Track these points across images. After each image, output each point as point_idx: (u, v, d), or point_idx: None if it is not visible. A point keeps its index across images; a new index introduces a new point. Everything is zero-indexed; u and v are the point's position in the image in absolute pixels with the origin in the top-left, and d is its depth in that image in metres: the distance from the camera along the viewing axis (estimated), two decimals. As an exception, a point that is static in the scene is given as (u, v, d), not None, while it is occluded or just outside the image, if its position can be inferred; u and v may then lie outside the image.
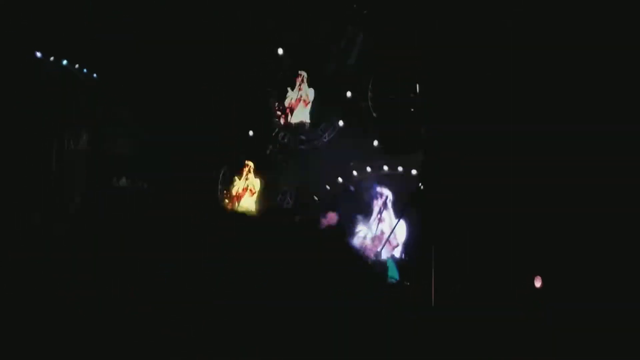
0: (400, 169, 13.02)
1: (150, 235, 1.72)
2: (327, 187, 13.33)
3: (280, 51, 13.30)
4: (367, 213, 13.06)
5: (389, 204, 12.94)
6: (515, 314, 8.53)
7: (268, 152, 13.55)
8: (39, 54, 12.85)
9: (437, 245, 11.06)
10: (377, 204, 13.04)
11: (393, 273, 11.91)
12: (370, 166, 13.08)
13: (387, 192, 13.00)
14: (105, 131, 12.63)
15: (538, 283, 9.36)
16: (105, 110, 12.88)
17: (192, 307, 1.51)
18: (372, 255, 12.20)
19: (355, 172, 13.24)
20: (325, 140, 13.30)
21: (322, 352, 1.43)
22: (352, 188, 13.15)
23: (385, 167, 13.09)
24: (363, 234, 12.91)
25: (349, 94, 12.95)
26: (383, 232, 12.64)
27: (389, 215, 12.82)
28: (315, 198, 13.30)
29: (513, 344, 7.77)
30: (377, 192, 13.00)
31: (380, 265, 11.89)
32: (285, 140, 13.52)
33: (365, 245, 12.67)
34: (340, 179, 13.29)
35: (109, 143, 12.54)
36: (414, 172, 12.84)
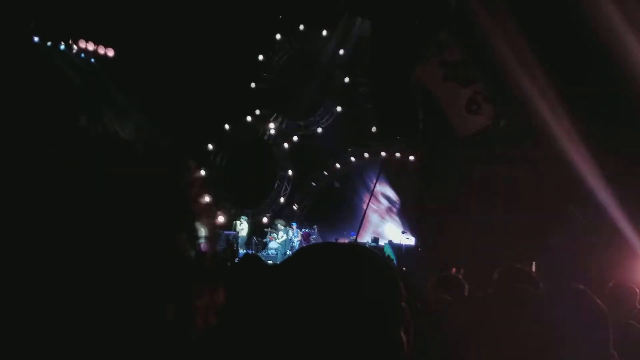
0: (397, 154, 13.04)
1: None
2: (325, 172, 13.34)
3: (278, 36, 13.24)
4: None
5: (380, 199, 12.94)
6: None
7: (265, 137, 13.51)
8: (36, 39, 12.82)
9: (435, 232, 11.15)
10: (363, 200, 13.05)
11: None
12: (367, 152, 13.09)
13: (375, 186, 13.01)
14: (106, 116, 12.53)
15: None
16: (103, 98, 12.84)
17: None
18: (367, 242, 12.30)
19: (353, 158, 13.25)
20: (322, 125, 13.29)
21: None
22: (337, 184, 13.09)
23: (383, 153, 13.10)
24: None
25: (347, 79, 12.96)
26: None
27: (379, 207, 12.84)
28: (313, 184, 13.32)
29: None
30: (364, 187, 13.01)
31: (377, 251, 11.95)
32: (283, 125, 13.49)
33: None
34: (338, 165, 13.30)
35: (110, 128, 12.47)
36: (411, 157, 12.88)
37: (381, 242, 12.44)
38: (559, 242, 9.15)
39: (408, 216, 12.74)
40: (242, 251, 11.69)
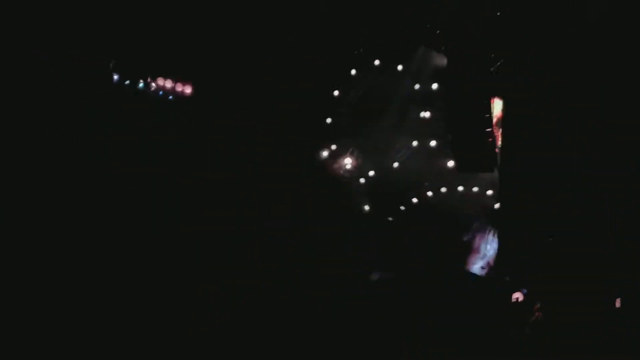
0: (475, 189, 12.92)
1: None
2: (402, 207, 13.27)
3: (353, 72, 13.22)
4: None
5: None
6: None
7: (342, 172, 13.49)
8: (116, 77, 13.04)
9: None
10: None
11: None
12: (445, 187, 12.99)
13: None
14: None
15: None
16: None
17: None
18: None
19: (430, 193, 13.17)
20: (399, 160, 13.22)
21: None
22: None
23: (460, 188, 12.98)
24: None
25: (423, 114, 12.90)
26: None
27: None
28: (390, 219, 13.26)
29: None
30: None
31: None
32: (359, 160, 13.45)
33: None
34: (414, 199, 13.24)
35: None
36: (489, 192, 12.73)
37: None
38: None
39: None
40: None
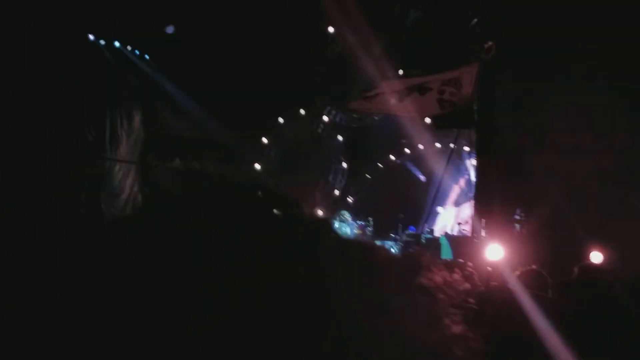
0: (452, 145, 12.98)
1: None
2: (379, 165, 13.34)
3: (331, 29, 13.10)
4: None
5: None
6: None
7: (319, 130, 13.49)
8: (91, 37, 12.90)
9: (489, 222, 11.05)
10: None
11: (446, 251, 11.95)
12: (422, 144, 13.03)
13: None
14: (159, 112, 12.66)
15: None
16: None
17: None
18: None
19: (407, 150, 13.23)
20: (376, 117, 13.21)
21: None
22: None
23: (438, 145, 13.04)
24: None
25: (401, 71, 12.83)
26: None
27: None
28: (368, 176, 13.32)
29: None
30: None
31: (434, 243, 11.96)
32: (337, 118, 13.43)
33: None
34: (392, 157, 13.29)
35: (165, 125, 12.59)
36: (466, 148, 12.81)
37: (437, 234, 12.45)
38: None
39: (463, 208, 12.71)
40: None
